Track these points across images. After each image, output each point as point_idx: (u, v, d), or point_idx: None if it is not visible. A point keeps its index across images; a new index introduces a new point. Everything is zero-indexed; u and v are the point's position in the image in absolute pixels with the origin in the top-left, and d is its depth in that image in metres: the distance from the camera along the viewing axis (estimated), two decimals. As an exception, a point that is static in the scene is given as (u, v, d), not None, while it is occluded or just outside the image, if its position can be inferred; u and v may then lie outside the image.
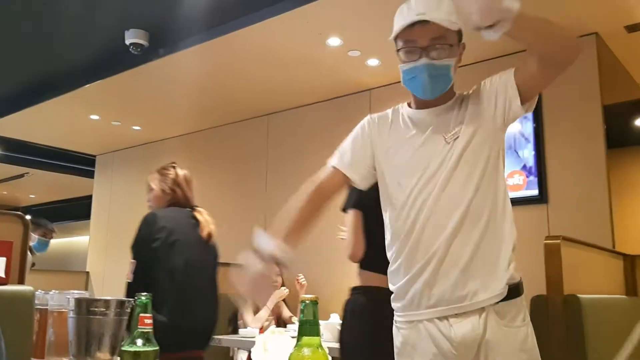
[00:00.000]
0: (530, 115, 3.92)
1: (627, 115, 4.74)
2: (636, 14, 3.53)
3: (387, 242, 1.54)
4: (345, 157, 1.60)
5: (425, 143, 1.49)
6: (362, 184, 1.60)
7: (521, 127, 3.97)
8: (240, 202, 5.54)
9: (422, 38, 1.43)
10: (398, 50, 1.49)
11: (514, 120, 1.48)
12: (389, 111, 1.62)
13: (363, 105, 4.70)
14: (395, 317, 1.52)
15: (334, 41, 3.94)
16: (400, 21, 1.46)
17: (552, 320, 2.34)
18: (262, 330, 3.59)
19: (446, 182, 1.43)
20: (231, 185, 5.67)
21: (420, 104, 1.55)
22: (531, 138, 3.89)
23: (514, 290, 1.43)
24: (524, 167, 3.91)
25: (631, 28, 3.68)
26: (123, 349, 1.05)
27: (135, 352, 1.02)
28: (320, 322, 3.25)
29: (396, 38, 1.50)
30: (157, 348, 1.06)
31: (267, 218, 5.29)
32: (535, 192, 3.83)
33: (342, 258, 4.70)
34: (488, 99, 1.48)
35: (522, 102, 1.43)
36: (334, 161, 1.61)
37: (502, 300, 1.40)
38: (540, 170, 3.83)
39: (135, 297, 1.07)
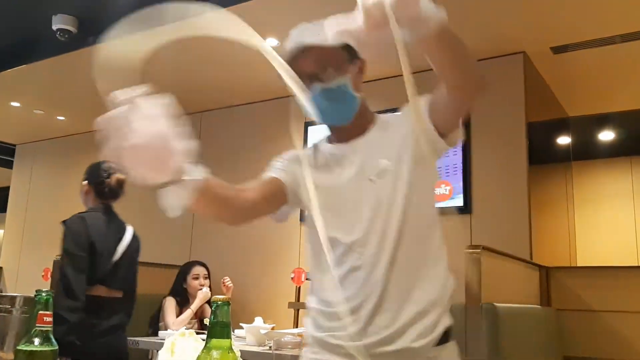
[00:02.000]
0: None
1: (549, 133, 4.95)
2: (562, 36, 3.69)
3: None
4: (282, 169, 1.48)
5: (350, 183, 1.38)
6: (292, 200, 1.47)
7: (450, 139, 4.07)
8: (168, 201, 5.39)
9: (308, 65, 1.37)
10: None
11: (442, 155, 1.39)
12: (308, 149, 1.52)
13: (299, 107, 4.68)
14: None
15: (271, 42, 3.91)
16: (285, 59, 1.35)
17: (470, 328, 2.39)
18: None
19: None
20: (159, 183, 5.52)
21: (340, 137, 1.45)
22: (458, 150, 3.99)
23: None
24: (451, 177, 4.00)
25: (557, 49, 3.84)
26: (18, 347, 0.98)
27: (30, 351, 0.95)
28: (244, 325, 3.22)
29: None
30: (55, 348, 0.99)
31: (195, 217, 5.18)
32: (460, 202, 3.93)
33: (269, 263, 4.68)
34: (410, 135, 1.37)
35: (444, 137, 1.34)
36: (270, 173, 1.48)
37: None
38: (465, 181, 3.93)
39: (35, 294, 1.00)
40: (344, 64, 1.38)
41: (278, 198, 1.44)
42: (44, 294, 1.00)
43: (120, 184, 2.78)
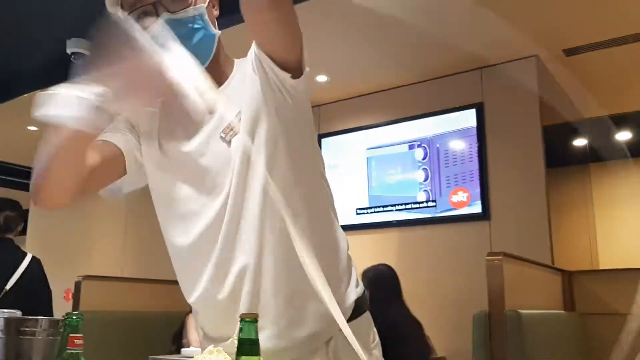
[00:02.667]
0: (474, 133, 4.01)
1: (566, 135, 4.91)
2: (574, 38, 3.68)
3: None
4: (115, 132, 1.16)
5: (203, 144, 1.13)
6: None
7: (465, 145, 4.06)
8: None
9: None
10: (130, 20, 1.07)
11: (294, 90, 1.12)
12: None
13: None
14: None
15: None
16: None
17: (494, 336, 2.38)
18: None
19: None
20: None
21: None
22: (475, 156, 3.98)
23: None
24: (468, 184, 3.99)
25: (569, 52, 3.83)
26: (50, 371, 0.99)
27: (63, 375, 0.96)
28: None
29: (122, 10, 1.12)
30: (87, 370, 1.00)
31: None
32: (478, 209, 3.91)
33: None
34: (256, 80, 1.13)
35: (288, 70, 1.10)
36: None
37: None
38: (483, 188, 3.92)
39: (65, 317, 1.02)
40: None
41: (115, 167, 1.17)
42: (74, 317, 1.01)
43: (7, 220, 3.05)
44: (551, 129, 4.00)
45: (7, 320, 1.24)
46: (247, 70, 1.14)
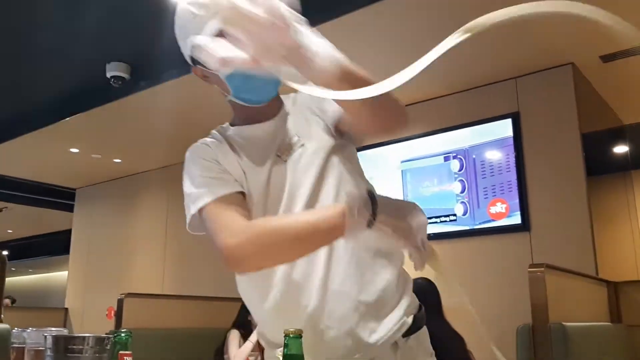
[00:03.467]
0: (511, 143, 3.96)
1: (605, 143, 4.81)
2: (610, 44, 3.61)
3: None
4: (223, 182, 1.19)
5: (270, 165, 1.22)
6: None
7: (502, 156, 4.01)
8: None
9: None
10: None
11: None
12: (215, 134, 1.33)
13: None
14: None
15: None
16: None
17: (539, 349, 2.33)
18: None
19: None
20: (213, 217, 5.62)
21: (251, 117, 1.27)
22: (512, 166, 3.92)
23: None
24: (506, 195, 3.93)
25: (606, 58, 3.76)
26: (102, 388, 1.01)
27: (114, 391, 0.99)
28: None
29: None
30: (137, 387, 1.02)
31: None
32: (517, 220, 3.84)
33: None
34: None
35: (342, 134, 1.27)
36: (220, 192, 1.16)
37: None
38: (522, 198, 3.86)
39: (114, 334, 1.04)
40: None
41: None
42: (123, 335, 1.03)
43: None
44: (590, 136, 3.92)
45: (55, 339, 1.26)
46: (299, 105, 1.29)
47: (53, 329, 1.53)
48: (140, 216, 6.34)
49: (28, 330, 1.51)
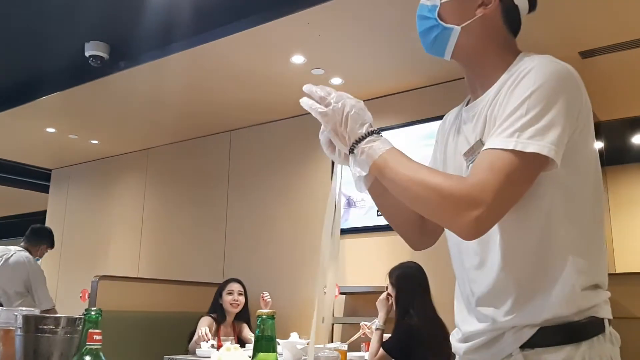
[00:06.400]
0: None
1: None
2: (590, 40, 3.65)
3: None
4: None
5: (449, 160, 1.21)
6: None
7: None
8: (201, 219, 5.47)
9: None
10: None
11: None
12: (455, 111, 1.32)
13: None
14: None
15: (298, 59, 3.96)
16: None
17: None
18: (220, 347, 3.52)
19: None
20: (191, 202, 5.60)
21: (472, 92, 1.20)
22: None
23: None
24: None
25: (585, 54, 3.80)
26: (70, 366, 1.01)
27: (82, 370, 0.98)
28: (280, 341, 3.25)
29: None
30: (107, 366, 1.02)
31: (228, 235, 5.23)
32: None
33: (303, 278, 4.69)
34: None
35: None
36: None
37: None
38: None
39: (84, 313, 1.04)
40: None
41: None
42: (93, 313, 1.03)
43: None
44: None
45: (26, 318, 1.25)
46: (509, 83, 1.06)
47: (24, 309, 1.52)
48: (117, 199, 6.28)
49: (-2, 309, 1.49)
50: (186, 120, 5.29)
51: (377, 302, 3.15)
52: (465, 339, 1.14)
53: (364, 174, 1.06)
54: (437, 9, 1.14)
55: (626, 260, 4.90)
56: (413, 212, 1.22)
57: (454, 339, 1.19)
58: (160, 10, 3.53)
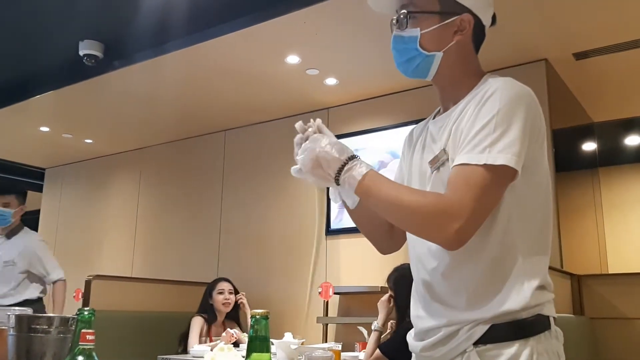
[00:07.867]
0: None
1: (575, 139, 4.90)
2: (584, 41, 3.67)
3: None
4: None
5: (417, 166, 1.28)
6: None
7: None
8: (195, 219, 5.46)
9: (396, 8, 1.27)
10: None
11: None
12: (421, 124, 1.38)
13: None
14: None
15: (293, 59, 3.96)
16: None
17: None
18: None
19: None
20: (185, 201, 5.59)
21: (443, 105, 1.31)
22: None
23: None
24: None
25: (579, 55, 3.82)
26: (63, 366, 1.00)
27: (75, 370, 0.98)
28: (274, 340, 3.25)
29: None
30: (99, 366, 1.01)
31: (222, 235, 5.23)
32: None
33: (297, 278, 4.69)
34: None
35: None
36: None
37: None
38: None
39: (78, 312, 1.03)
40: (428, 14, 1.22)
41: None
42: (86, 313, 1.03)
43: None
44: (560, 132, 3.99)
45: (19, 318, 1.25)
46: (476, 101, 1.16)
47: (17, 308, 1.52)
48: (111, 198, 6.27)
49: (-9, 309, 1.49)
50: (180, 120, 5.28)
51: (378, 303, 3.15)
52: (421, 337, 1.21)
53: (357, 200, 1.21)
54: (419, 39, 1.22)
55: (619, 261, 4.92)
56: (384, 221, 1.31)
57: (410, 337, 1.26)
58: (155, 9, 3.52)
